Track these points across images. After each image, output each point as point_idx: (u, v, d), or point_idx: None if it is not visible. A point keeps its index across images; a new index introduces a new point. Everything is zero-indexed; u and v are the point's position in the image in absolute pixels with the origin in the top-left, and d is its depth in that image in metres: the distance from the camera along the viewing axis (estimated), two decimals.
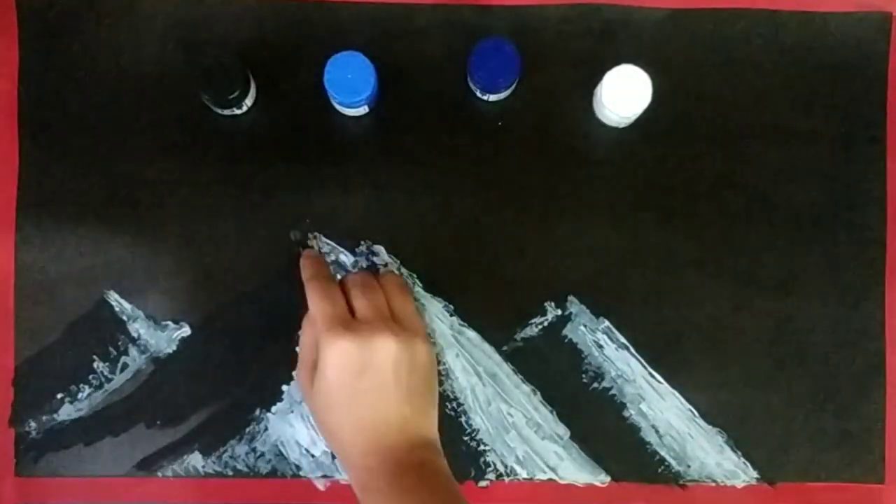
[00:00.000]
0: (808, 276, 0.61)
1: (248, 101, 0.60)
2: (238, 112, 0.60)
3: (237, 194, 0.61)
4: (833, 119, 0.61)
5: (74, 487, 0.60)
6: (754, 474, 0.61)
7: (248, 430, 0.61)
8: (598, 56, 0.60)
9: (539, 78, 0.61)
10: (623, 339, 0.61)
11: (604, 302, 0.61)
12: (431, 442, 0.54)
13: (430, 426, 0.54)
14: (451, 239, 0.61)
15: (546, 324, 0.61)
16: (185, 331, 0.61)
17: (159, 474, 0.61)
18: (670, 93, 0.60)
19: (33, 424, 0.60)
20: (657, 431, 0.61)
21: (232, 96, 0.57)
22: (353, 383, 0.52)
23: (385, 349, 0.52)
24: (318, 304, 0.54)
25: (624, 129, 0.61)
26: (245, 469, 0.61)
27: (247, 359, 0.61)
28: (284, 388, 0.61)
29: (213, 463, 0.61)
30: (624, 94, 0.58)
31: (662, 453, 0.61)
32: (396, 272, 0.59)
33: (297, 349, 0.56)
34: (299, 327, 0.56)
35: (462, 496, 0.52)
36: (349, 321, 0.53)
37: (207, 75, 0.57)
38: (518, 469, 0.61)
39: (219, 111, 0.60)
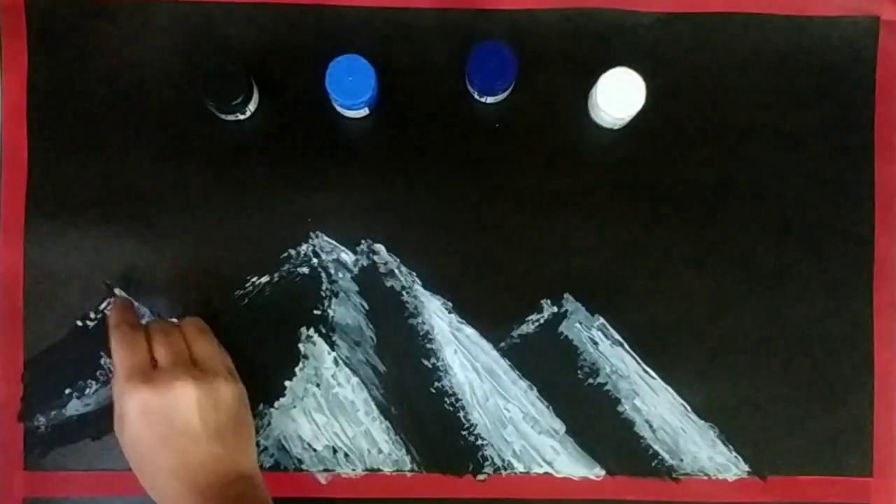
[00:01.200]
0: (798, 274, 0.63)
1: (252, 107, 0.61)
2: (242, 117, 0.61)
3: (241, 195, 0.62)
4: (822, 121, 0.63)
5: (82, 481, 0.62)
6: (745, 468, 0.62)
7: None
8: (593, 59, 0.61)
9: (535, 80, 0.62)
10: (617, 336, 0.63)
11: (599, 300, 0.62)
12: (249, 475, 0.54)
13: (247, 461, 0.55)
14: (449, 238, 0.62)
15: (542, 321, 0.62)
16: None
17: None
18: (664, 95, 0.61)
19: (42, 419, 0.62)
20: (651, 426, 0.62)
21: (235, 102, 0.58)
22: (159, 431, 0.52)
23: (186, 395, 0.52)
24: (117, 354, 0.53)
25: (618, 130, 0.62)
26: None
27: (250, 355, 0.62)
28: (287, 383, 0.62)
29: None
30: (618, 97, 0.59)
31: (656, 447, 0.63)
32: (197, 317, 0.58)
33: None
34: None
35: None
36: (148, 371, 0.53)
37: (211, 82, 0.58)
38: (515, 463, 0.62)
39: (223, 116, 0.61)
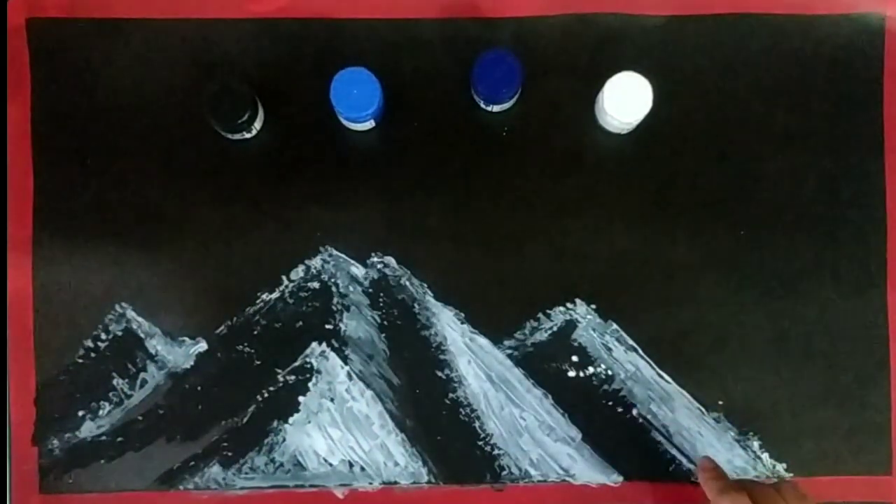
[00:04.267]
0: (812, 275, 0.62)
1: (258, 125, 0.61)
2: (248, 136, 0.61)
3: (249, 212, 0.62)
4: (831, 120, 0.62)
5: (98, 503, 0.62)
6: (764, 470, 0.62)
7: (266, 441, 0.62)
8: (599, 64, 0.61)
9: (542, 87, 0.62)
10: (631, 342, 0.62)
11: (611, 305, 0.62)
12: None
13: None
14: (459, 248, 0.62)
15: (555, 328, 0.62)
16: (202, 346, 0.62)
17: (181, 487, 0.62)
18: (671, 98, 0.61)
19: (56, 442, 0.62)
20: (668, 431, 0.62)
21: (241, 121, 0.58)
22: None
23: None
24: None
25: (626, 134, 0.62)
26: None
27: (262, 372, 0.62)
28: (301, 399, 0.62)
29: (234, 474, 0.62)
30: (625, 101, 0.59)
31: (673, 452, 0.62)
32: (792, 480, 0.54)
33: None
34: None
35: None
36: None
37: (216, 103, 0.58)
38: (532, 472, 0.62)
39: (229, 136, 0.61)
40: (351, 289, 0.62)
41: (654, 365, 0.62)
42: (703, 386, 0.62)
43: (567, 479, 0.62)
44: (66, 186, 0.62)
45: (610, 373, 0.62)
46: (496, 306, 0.62)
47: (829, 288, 0.62)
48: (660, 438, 0.62)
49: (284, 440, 0.62)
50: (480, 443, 0.62)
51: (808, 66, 0.62)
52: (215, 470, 0.62)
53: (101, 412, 0.62)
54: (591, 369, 0.62)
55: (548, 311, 0.62)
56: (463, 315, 0.62)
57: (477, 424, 0.62)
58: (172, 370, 0.62)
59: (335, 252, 0.62)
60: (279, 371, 0.62)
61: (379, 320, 0.62)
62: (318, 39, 0.62)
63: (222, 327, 0.62)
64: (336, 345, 0.62)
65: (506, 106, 0.61)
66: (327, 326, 0.62)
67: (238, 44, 0.62)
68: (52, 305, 0.62)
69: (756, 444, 0.62)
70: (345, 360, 0.62)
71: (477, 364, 0.62)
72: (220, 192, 0.62)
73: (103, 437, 0.62)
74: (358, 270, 0.62)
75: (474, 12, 0.62)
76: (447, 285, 0.62)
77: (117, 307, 0.62)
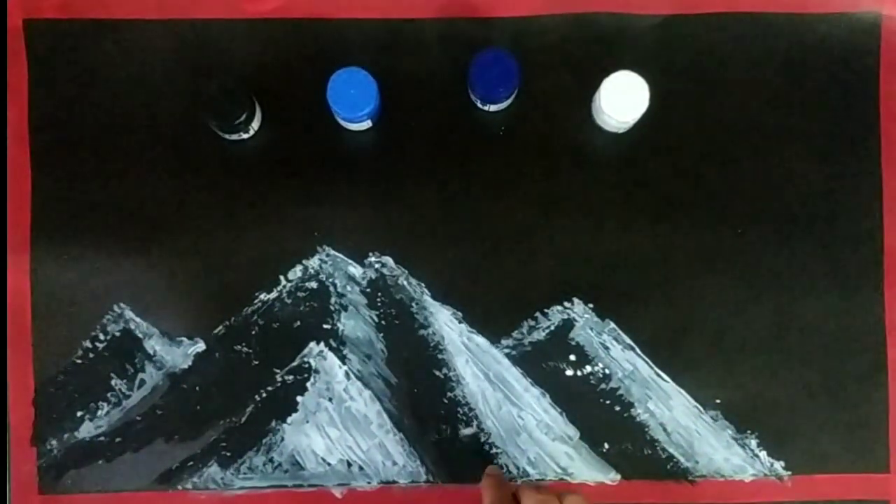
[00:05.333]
0: (809, 274, 0.62)
1: (255, 125, 0.61)
2: (245, 136, 0.61)
3: (247, 212, 0.62)
4: (827, 118, 0.63)
5: (97, 503, 0.62)
6: (761, 468, 0.62)
7: (264, 441, 0.62)
8: (596, 63, 0.61)
9: (539, 86, 0.62)
10: (629, 340, 0.62)
11: (609, 304, 0.62)
12: None
13: None
14: (457, 247, 0.62)
15: (553, 327, 0.62)
16: (200, 346, 0.62)
17: (180, 487, 0.62)
18: (667, 97, 0.61)
19: (55, 443, 0.62)
20: (665, 429, 0.62)
21: (238, 121, 0.58)
22: None
23: None
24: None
25: (623, 133, 0.62)
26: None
27: (261, 372, 0.62)
28: (299, 399, 0.62)
29: (232, 474, 0.62)
30: (622, 100, 0.59)
31: (671, 450, 0.62)
32: (581, 495, 0.50)
33: None
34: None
35: None
36: None
37: (213, 103, 0.58)
38: (530, 470, 0.62)
39: (226, 136, 0.61)
40: (349, 288, 0.62)
41: (651, 364, 0.62)
42: (700, 384, 0.62)
43: (565, 477, 0.62)
44: (64, 187, 0.62)
45: (607, 371, 0.62)
46: (494, 305, 0.62)
47: (827, 287, 0.62)
48: (657, 437, 0.62)
49: (283, 440, 0.62)
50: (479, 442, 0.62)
51: (805, 65, 0.62)
52: (214, 470, 0.62)
53: (99, 412, 0.62)
54: (588, 368, 0.62)
55: (545, 310, 0.62)
56: (461, 314, 0.62)
57: (475, 424, 0.62)
58: (171, 370, 0.62)
59: (333, 252, 0.62)
60: (277, 371, 0.62)
61: (377, 320, 0.62)
62: (316, 40, 0.62)
63: (220, 327, 0.62)
64: (334, 344, 0.62)
65: (503, 105, 0.61)
66: (325, 326, 0.62)
67: (235, 44, 0.62)
68: (51, 306, 0.62)
69: (754, 443, 0.62)
70: (343, 359, 0.62)
71: (475, 363, 0.62)
72: (218, 192, 0.62)
73: (102, 438, 0.62)
74: (355, 270, 0.62)
75: (471, 12, 0.62)
76: (445, 285, 0.62)
77: (115, 307, 0.62)
